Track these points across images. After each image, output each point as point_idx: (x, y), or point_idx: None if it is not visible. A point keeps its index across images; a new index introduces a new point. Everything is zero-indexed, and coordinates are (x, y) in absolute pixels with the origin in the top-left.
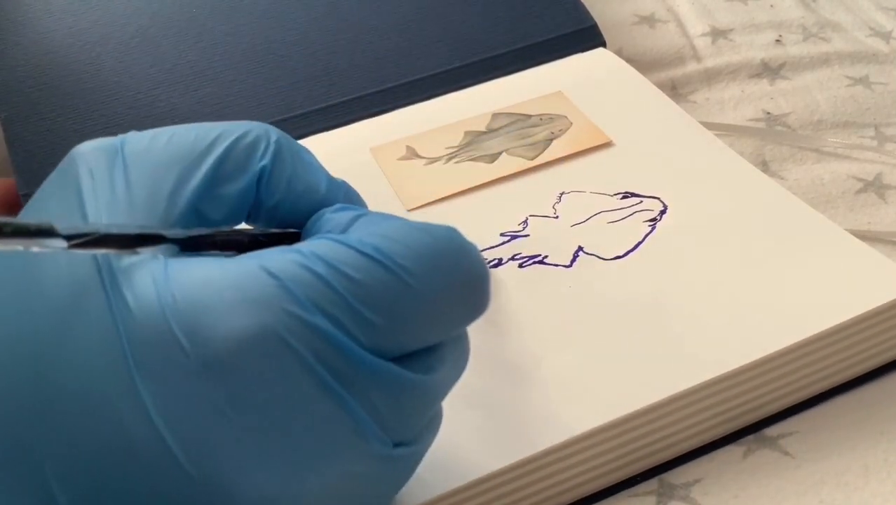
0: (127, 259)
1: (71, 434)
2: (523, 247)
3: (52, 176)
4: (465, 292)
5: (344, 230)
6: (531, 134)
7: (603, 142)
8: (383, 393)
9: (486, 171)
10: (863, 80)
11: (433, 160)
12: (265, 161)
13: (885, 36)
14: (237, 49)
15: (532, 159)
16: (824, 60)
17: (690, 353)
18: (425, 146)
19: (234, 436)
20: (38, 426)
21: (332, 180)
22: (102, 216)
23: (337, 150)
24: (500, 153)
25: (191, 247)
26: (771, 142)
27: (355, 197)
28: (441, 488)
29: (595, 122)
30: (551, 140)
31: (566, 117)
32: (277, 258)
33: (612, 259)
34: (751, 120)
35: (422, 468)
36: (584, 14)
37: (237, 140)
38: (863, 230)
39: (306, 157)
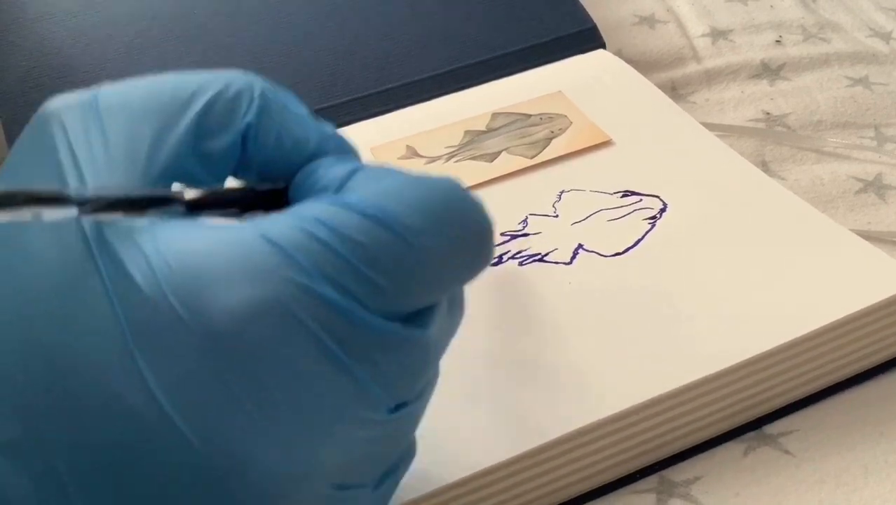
0: (115, 228)
1: (75, 416)
2: (523, 245)
3: (24, 135)
4: (469, 246)
5: (340, 186)
6: (531, 133)
7: (603, 140)
8: (388, 355)
9: (486, 170)
10: (863, 81)
11: (433, 159)
12: (249, 117)
13: (885, 36)
14: (238, 50)
15: (532, 158)
16: (824, 61)
17: (690, 348)
18: (425, 146)
19: (240, 408)
20: (42, 410)
21: (322, 130)
22: (83, 176)
23: None
24: (499, 152)
25: (196, 207)
26: (771, 142)
27: (347, 146)
28: (441, 481)
29: (595, 122)
30: (551, 139)
31: (566, 116)
32: (277, 224)
33: (611, 256)
34: (751, 120)
35: (423, 461)
36: (584, 16)
37: (219, 94)
38: (863, 230)
39: (294, 109)
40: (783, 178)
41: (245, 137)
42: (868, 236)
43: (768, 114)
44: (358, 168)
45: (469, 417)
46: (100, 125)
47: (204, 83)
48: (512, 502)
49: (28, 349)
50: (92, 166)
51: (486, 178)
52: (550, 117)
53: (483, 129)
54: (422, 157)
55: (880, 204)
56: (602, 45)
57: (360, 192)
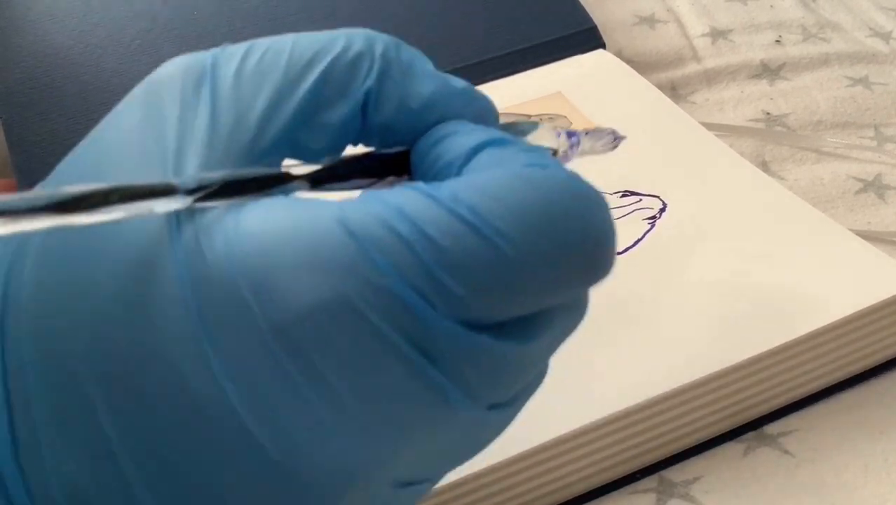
0: (200, 211)
1: (126, 384)
2: None
3: (133, 99)
4: (578, 257)
5: (462, 165)
6: None
7: None
8: (471, 362)
9: None
10: (863, 81)
11: None
12: (370, 82)
13: (885, 36)
14: None
15: None
16: (824, 61)
17: (690, 348)
18: None
19: (305, 403)
20: (92, 373)
21: (452, 87)
22: (188, 151)
23: None
24: None
25: (319, 183)
26: (771, 142)
27: (482, 106)
28: (441, 481)
29: (595, 122)
30: None
31: (566, 118)
32: (359, 210)
33: None
34: (751, 120)
35: None
36: (584, 16)
37: (336, 58)
38: (863, 230)
39: (419, 66)
40: (783, 178)
41: (365, 104)
42: (868, 236)
43: (768, 114)
44: (485, 143)
45: None
46: (211, 95)
47: (322, 47)
48: (512, 502)
49: (94, 329)
50: (196, 141)
51: None
52: (551, 118)
53: None
54: None
55: (880, 204)
56: (602, 46)
57: (460, 183)
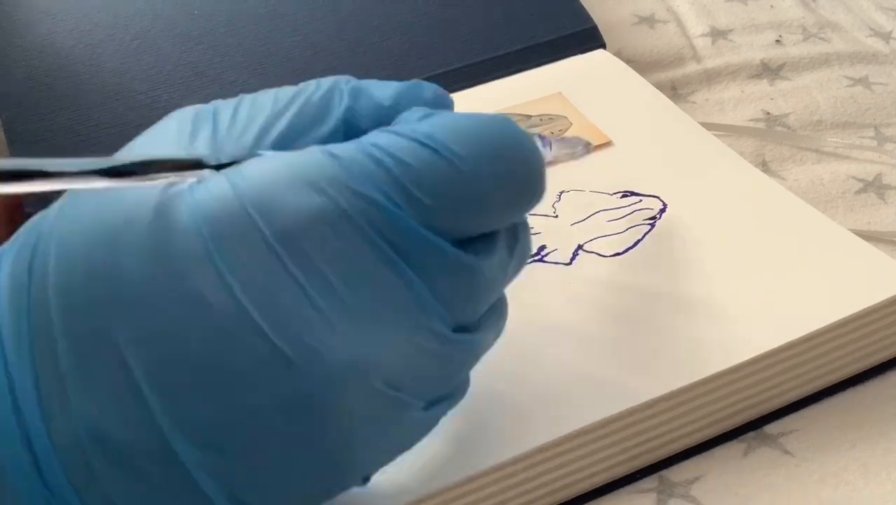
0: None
1: (148, 316)
2: None
3: (159, 125)
4: (517, 180)
5: (418, 121)
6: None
7: (602, 141)
8: (439, 269)
9: None
10: (863, 81)
11: None
12: (345, 102)
13: (885, 36)
14: (238, 50)
15: None
16: (824, 61)
17: (690, 349)
18: None
19: (309, 300)
20: (114, 311)
21: (408, 83)
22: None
23: None
24: None
25: None
26: (771, 142)
27: (440, 100)
28: (440, 483)
29: (594, 122)
30: None
31: (566, 118)
32: (340, 146)
33: (611, 256)
34: (751, 120)
35: (423, 462)
36: (584, 15)
37: (311, 94)
38: (863, 230)
39: (378, 82)
40: (783, 178)
41: (347, 121)
42: (868, 236)
43: (768, 114)
44: (433, 113)
45: (468, 418)
46: (213, 125)
47: (299, 90)
48: (512, 502)
49: (100, 255)
50: (210, 146)
51: None
52: (551, 118)
53: None
54: None
55: (880, 204)
56: (602, 45)
57: (418, 124)
